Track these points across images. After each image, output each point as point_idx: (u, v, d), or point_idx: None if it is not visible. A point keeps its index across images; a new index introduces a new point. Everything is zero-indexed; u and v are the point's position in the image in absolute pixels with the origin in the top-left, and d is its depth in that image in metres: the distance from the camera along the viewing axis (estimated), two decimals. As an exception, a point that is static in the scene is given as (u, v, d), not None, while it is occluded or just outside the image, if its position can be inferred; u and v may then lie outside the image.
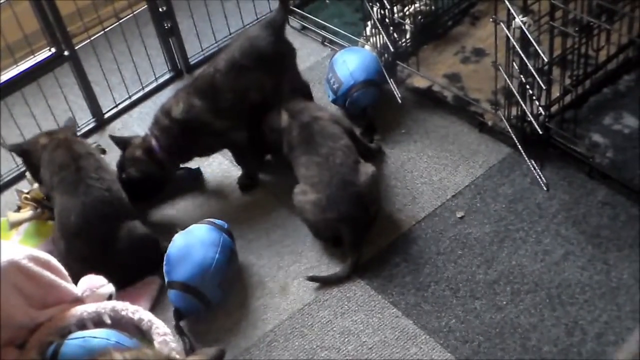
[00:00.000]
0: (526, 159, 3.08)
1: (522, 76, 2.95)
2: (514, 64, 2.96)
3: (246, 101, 3.18)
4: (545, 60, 2.84)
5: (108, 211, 2.95)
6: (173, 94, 3.26)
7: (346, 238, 2.91)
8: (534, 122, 3.00)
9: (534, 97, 2.99)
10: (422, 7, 3.59)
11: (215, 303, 2.86)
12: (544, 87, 2.93)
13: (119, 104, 3.74)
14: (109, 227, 2.93)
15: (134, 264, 2.96)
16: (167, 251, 2.90)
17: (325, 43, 3.87)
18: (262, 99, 3.22)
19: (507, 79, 3.02)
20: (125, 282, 2.91)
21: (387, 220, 3.03)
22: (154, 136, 3.18)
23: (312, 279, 2.89)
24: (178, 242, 2.91)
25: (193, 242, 2.89)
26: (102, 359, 2.18)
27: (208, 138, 3.18)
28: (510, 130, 3.12)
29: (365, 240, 2.94)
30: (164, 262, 2.88)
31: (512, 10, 2.81)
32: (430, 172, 3.19)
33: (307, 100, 3.31)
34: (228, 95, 3.12)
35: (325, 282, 2.89)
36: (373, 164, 3.05)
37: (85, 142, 3.24)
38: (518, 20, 2.80)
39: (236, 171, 3.34)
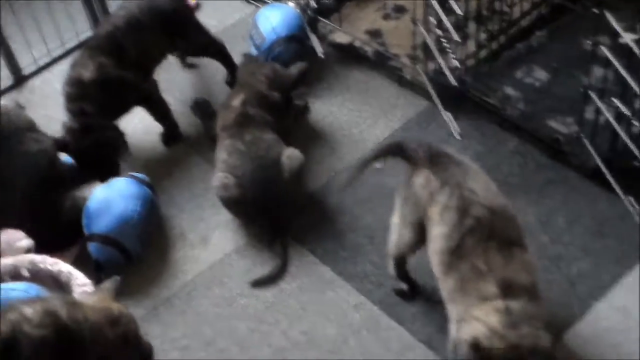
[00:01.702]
0: (442, 111, 3.16)
1: (438, 30, 3.02)
2: (432, 19, 3.02)
3: (150, 57, 3.21)
4: (461, 14, 2.91)
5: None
6: (73, 62, 3.16)
7: (272, 233, 2.88)
8: (449, 75, 3.07)
9: (450, 51, 3.06)
10: (344, -35, 3.62)
11: (136, 255, 2.87)
12: (459, 42, 3.01)
13: (38, 60, 3.67)
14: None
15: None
16: (87, 204, 2.89)
17: (250, 0, 3.87)
18: (163, 56, 3.29)
19: (425, 33, 3.09)
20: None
21: (307, 172, 3.06)
22: (75, 109, 3.09)
23: (255, 283, 2.79)
24: (98, 195, 2.90)
25: (113, 195, 2.88)
26: (10, 314, 2.10)
27: (123, 93, 3.14)
28: (427, 83, 3.20)
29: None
30: (83, 216, 2.87)
31: (428, -35, 2.87)
32: (350, 125, 3.25)
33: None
34: (132, 52, 3.11)
35: (267, 282, 2.79)
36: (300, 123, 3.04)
37: None
38: (433, -26, 2.85)
39: (157, 127, 3.33)
